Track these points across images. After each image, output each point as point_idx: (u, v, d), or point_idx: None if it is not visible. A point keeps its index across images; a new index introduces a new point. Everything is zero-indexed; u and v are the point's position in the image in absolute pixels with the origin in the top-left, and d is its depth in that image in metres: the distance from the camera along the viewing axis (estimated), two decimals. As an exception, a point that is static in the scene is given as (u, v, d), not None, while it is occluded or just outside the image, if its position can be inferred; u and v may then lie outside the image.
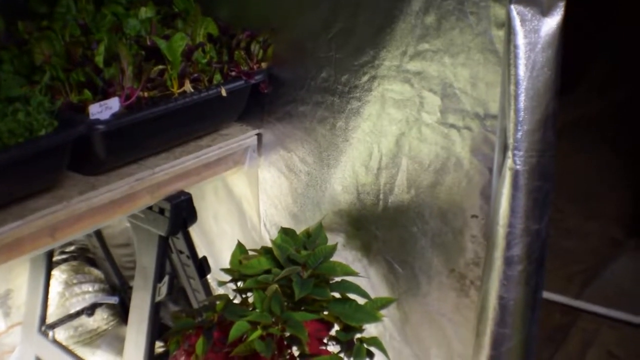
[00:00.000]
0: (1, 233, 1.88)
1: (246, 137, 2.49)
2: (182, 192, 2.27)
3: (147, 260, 2.33)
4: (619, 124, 5.03)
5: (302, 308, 1.99)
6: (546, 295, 2.01)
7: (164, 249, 2.31)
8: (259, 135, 2.54)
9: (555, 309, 3.55)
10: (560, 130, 1.92)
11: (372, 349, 2.03)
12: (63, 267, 3.23)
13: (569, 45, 1.85)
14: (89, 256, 3.33)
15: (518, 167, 1.82)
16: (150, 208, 2.26)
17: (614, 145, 4.91)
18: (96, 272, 3.28)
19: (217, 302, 2.03)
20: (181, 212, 2.25)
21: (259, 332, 1.86)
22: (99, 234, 3.08)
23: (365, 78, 2.20)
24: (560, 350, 3.29)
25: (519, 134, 1.81)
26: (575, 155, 4.44)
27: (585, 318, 3.52)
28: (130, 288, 2.47)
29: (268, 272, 2.01)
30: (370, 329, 2.14)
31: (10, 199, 1.94)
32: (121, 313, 3.23)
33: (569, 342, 3.35)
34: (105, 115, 2.02)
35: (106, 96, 2.06)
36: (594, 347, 3.31)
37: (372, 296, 2.10)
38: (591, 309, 3.57)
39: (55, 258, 3.21)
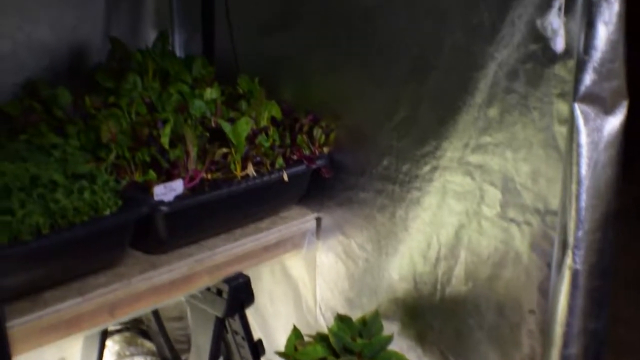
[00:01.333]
0: (61, 309, 1.90)
1: (306, 220, 2.51)
2: (240, 274, 2.28)
3: (202, 340, 2.33)
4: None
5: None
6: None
7: (219, 330, 2.32)
8: (318, 220, 2.56)
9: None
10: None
11: None
12: (116, 337, 3.25)
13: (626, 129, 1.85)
14: (143, 328, 3.35)
15: (578, 266, 1.81)
16: (208, 289, 2.27)
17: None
18: (149, 345, 3.29)
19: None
20: (239, 294, 2.26)
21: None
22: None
23: (426, 168, 2.22)
24: None
25: (580, 232, 1.81)
26: (632, 241, 4.39)
27: (637, 414, 3.45)
28: (182, 362, 2.48)
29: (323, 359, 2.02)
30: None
31: (71, 275, 1.97)
32: (172, 388, 3.24)
33: None
34: (169, 196, 2.05)
35: (170, 177, 2.10)
36: None
37: (426, 387, 2.09)
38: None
39: (110, 328, 3.23)
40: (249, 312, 2.47)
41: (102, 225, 1.91)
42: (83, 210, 1.90)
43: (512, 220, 2.04)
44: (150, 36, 2.93)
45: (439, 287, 2.25)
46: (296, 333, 2.14)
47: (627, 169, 1.92)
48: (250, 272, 2.33)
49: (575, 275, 1.82)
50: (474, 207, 2.12)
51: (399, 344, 2.37)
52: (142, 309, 2.13)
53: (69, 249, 1.87)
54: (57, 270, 1.91)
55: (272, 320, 2.94)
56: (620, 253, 1.94)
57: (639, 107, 1.84)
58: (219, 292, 2.26)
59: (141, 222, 2.03)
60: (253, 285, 2.34)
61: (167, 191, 2.05)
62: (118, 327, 3.32)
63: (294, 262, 2.70)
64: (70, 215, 1.87)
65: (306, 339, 2.12)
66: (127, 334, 3.31)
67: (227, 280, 2.25)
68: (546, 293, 1.98)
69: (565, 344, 1.87)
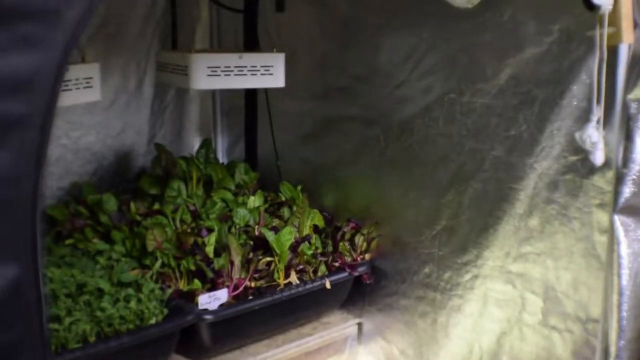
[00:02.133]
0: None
1: (347, 326, 2.51)
2: (283, 376, 2.30)
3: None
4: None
5: None
6: None
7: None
8: (360, 325, 2.56)
9: None
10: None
11: None
12: None
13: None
14: None
15: (624, 364, 1.81)
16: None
17: None
18: None
19: None
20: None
21: None
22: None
23: (467, 276, 2.23)
24: None
25: (621, 342, 1.82)
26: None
27: None
28: None
29: None
30: None
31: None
32: None
33: None
34: (213, 305, 2.08)
35: (215, 285, 2.14)
36: None
37: None
38: None
39: None
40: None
41: (148, 334, 1.94)
42: (129, 319, 1.93)
43: (553, 327, 2.04)
44: (194, 143, 3.00)
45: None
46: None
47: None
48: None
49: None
50: (516, 315, 2.13)
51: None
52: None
53: (115, 357, 1.90)
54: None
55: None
56: None
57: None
58: (265, 398, 2.27)
59: (186, 329, 2.06)
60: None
61: (212, 300, 2.09)
62: None
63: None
64: (117, 324, 1.91)
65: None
66: None
67: (270, 376, 2.27)
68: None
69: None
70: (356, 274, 2.45)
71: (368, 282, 2.49)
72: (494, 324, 2.19)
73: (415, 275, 2.39)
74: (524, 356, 2.12)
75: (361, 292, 2.56)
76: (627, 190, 1.80)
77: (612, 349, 1.83)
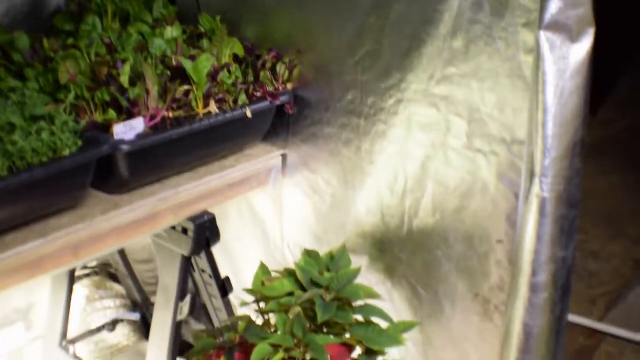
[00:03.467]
0: (24, 251, 1.88)
1: (270, 157, 2.48)
2: (205, 213, 2.26)
3: (169, 279, 2.32)
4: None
5: (325, 331, 1.98)
6: (570, 317, 1.99)
7: (186, 269, 2.30)
8: (284, 156, 2.53)
9: (579, 331, 3.52)
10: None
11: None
12: (85, 282, 3.24)
13: (594, 67, 1.84)
14: (111, 272, 3.34)
15: (545, 194, 1.80)
16: (173, 228, 2.26)
17: (638, 167, 4.90)
18: (118, 288, 3.28)
19: (239, 323, 2.02)
20: (204, 232, 2.24)
21: (280, 355, 1.85)
22: (121, 250, 3.07)
23: (391, 101, 2.19)
24: (584, 374, 3.27)
25: (547, 161, 1.80)
26: (599, 176, 4.43)
27: (609, 341, 3.49)
28: (152, 304, 2.46)
29: (291, 294, 2.00)
30: (393, 353, 2.12)
31: (33, 217, 1.94)
32: (142, 329, 3.23)
33: (593, 366, 3.33)
34: (129, 135, 2.01)
35: (131, 116, 2.06)
36: (618, 371, 3.28)
37: (395, 320, 2.09)
38: (615, 332, 3.53)
39: (78, 273, 3.21)
40: (217, 252, 2.45)
41: (62, 165, 1.87)
42: (42, 152, 1.86)
43: (478, 150, 2.02)
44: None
45: (406, 219, 2.24)
46: (263, 269, 2.12)
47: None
48: (217, 212, 2.31)
49: (542, 203, 1.81)
50: (440, 139, 2.10)
51: (368, 278, 2.36)
52: (106, 250, 2.11)
53: (28, 191, 1.84)
54: (17, 213, 1.88)
55: (240, 259, 2.92)
56: (589, 191, 1.94)
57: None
58: (185, 231, 2.24)
59: (103, 162, 1.99)
60: (220, 225, 2.32)
61: (128, 130, 2.02)
62: (86, 272, 3.30)
63: (261, 200, 2.68)
64: (29, 157, 1.84)
65: (274, 275, 2.11)
66: (95, 278, 3.29)
67: (193, 219, 2.23)
68: (514, 223, 1.97)
69: (534, 272, 1.87)
70: (278, 102, 2.38)
71: (291, 112, 2.44)
72: (418, 149, 2.16)
73: (338, 102, 2.34)
74: (449, 180, 2.11)
75: (284, 123, 2.51)
76: (554, 6, 1.74)
77: (538, 168, 1.81)
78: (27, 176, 1.80)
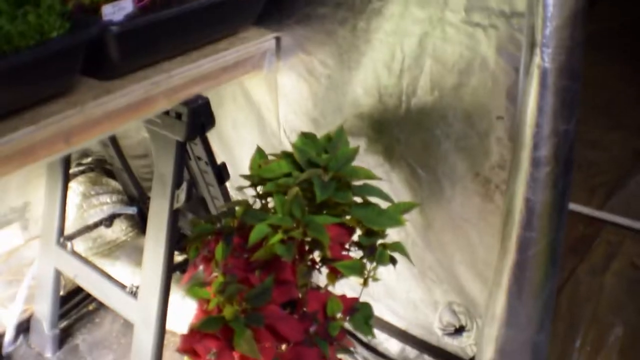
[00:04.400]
0: (14, 139, 1.83)
1: (264, 40, 2.41)
2: (199, 96, 2.22)
3: (164, 167, 2.28)
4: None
5: (324, 212, 1.95)
6: (570, 206, 1.97)
7: (181, 155, 2.26)
8: (278, 39, 2.46)
9: (578, 220, 3.53)
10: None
11: (395, 254, 1.99)
12: (80, 178, 3.21)
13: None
14: (107, 167, 3.31)
15: (546, 64, 1.75)
16: (167, 113, 2.21)
17: (635, 57, 4.88)
18: (114, 184, 3.25)
19: (237, 208, 1.99)
20: (199, 116, 2.20)
21: (279, 235, 1.82)
22: (116, 144, 3.04)
23: (387, -25, 2.13)
24: (584, 261, 3.27)
25: (548, 30, 1.74)
26: (597, 67, 4.39)
27: (609, 230, 3.49)
28: (149, 199, 2.43)
29: (288, 175, 1.96)
30: (392, 236, 2.10)
31: (22, 104, 1.89)
32: (140, 224, 3.22)
33: (593, 253, 3.33)
34: (118, 16, 1.96)
35: (119, -3, 2.01)
36: (617, 258, 3.28)
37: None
38: (615, 220, 3.54)
39: (72, 170, 3.19)
40: (212, 142, 2.42)
41: (50, 48, 1.82)
42: (29, 35, 1.81)
43: (477, 24, 1.98)
44: None
45: (404, 98, 2.20)
46: (260, 153, 2.08)
47: None
48: (211, 99, 2.27)
49: (544, 73, 1.76)
50: (438, 14, 2.05)
51: (366, 161, 2.34)
52: (98, 135, 2.06)
53: (16, 76, 1.79)
54: (5, 100, 1.84)
55: (237, 148, 2.89)
56: (587, 81, 1.90)
57: None
58: (179, 116, 2.19)
59: (92, 47, 1.94)
60: (215, 113, 2.27)
61: (116, 10, 1.96)
62: (81, 168, 3.28)
63: (256, 86, 2.64)
64: (16, 41, 1.79)
65: (271, 158, 2.07)
66: (91, 174, 3.27)
67: (186, 103, 2.18)
68: (514, 98, 1.94)
69: (536, 146, 1.83)
70: (269, -19, 2.32)
71: (284, -6, 2.38)
72: (415, 25, 2.11)
73: (332, -21, 2.28)
74: (447, 57, 2.07)
75: (277, 5, 2.44)
76: None
77: (538, 38, 1.76)
78: (15, 59, 1.75)
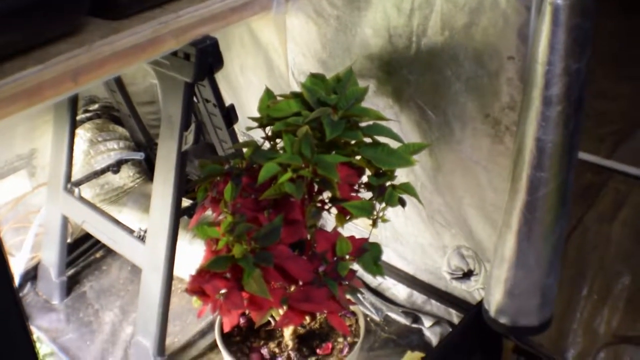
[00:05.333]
0: (22, 77, 1.81)
1: (273, -20, 2.39)
2: (207, 37, 2.19)
3: (172, 109, 2.27)
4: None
5: (334, 152, 1.94)
6: (578, 154, 1.95)
7: (189, 96, 2.25)
8: (287, -21, 2.44)
9: (586, 168, 3.51)
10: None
11: (404, 197, 1.99)
12: (87, 125, 3.19)
13: None
14: (114, 114, 3.29)
15: (559, 1, 1.73)
16: (175, 54, 2.19)
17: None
18: (121, 130, 3.24)
19: (245, 149, 1.98)
20: (207, 56, 2.18)
21: (289, 174, 1.81)
22: (123, 90, 3.02)
23: None
24: (592, 208, 3.26)
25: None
26: (604, 18, 4.35)
27: (617, 179, 3.48)
28: (156, 145, 2.42)
29: (298, 114, 1.95)
30: (401, 179, 2.09)
31: (30, 44, 1.87)
32: (147, 170, 3.21)
33: (601, 202, 3.32)
34: (125, -47, 1.94)
35: None
36: (625, 207, 3.27)
37: (404, 144, 2.05)
38: (623, 169, 3.52)
39: (80, 117, 3.17)
40: (220, 85, 2.40)
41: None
42: (34, -30, 1.80)
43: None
44: None
45: (414, 39, 2.18)
46: (269, 94, 2.06)
47: None
48: (219, 42, 2.24)
49: (556, 10, 1.73)
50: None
51: (376, 102, 2.32)
52: (106, 75, 2.03)
53: (23, 15, 1.77)
54: (13, 39, 1.82)
55: (245, 92, 2.88)
56: (599, 30, 1.87)
57: None
58: (187, 57, 2.17)
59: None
60: (223, 56, 2.25)
61: (124, -53, 1.94)
62: (88, 115, 3.25)
63: (264, 28, 2.62)
64: (23, -21, 1.78)
65: (279, 99, 2.05)
66: (98, 120, 3.24)
67: (194, 43, 2.16)
68: (526, 38, 1.92)
69: (547, 84, 1.81)
70: None
71: None
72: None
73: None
74: (458, -3, 2.04)
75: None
76: None
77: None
78: (21, -2, 1.73)
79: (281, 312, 1.92)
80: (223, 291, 1.83)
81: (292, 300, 1.86)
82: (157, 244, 2.43)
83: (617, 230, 3.14)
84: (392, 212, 1.94)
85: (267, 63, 2.71)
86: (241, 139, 2.67)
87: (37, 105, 1.91)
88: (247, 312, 2.16)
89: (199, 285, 1.85)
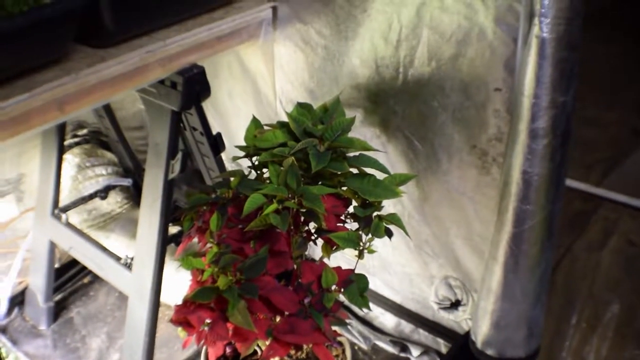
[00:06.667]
0: (8, 106, 1.82)
1: (260, 9, 2.39)
2: (194, 65, 2.20)
3: (159, 137, 2.27)
4: (635, 14, 4.98)
5: (320, 183, 1.93)
6: (567, 182, 1.95)
7: (176, 124, 2.24)
8: (274, 8, 2.43)
9: (575, 196, 3.52)
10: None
11: (391, 227, 1.98)
12: (76, 150, 3.19)
13: None
14: (102, 139, 3.29)
15: (545, 34, 1.73)
16: (162, 82, 2.19)
17: (630, 36, 4.87)
18: (109, 155, 3.23)
19: (232, 179, 1.97)
20: (194, 85, 2.18)
21: (274, 205, 1.80)
22: (111, 116, 3.02)
23: (384, -52, 2.10)
24: (581, 237, 3.26)
25: (546, 0, 1.72)
26: (593, 44, 4.37)
27: (606, 206, 3.49)
28: (144, 171, 2.42)
29: (284, 145, 1.94)
30: (388, 209, 2.09)
31: (16, 71, 1.87)
32: (135, 196, 3.21)
33: (590, 230, 3.32)
34: (113, -18, 1.94)
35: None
36: (614, 235, 3.27)
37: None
38: (612, 197, 3.53)
39: (68, 142, 3.17)
40: (208, 113, 2.40)
41: (44, 14, 1.80)
42: (22, 0, 1.79)
43: (475, -6, 1.96)
44: None
45: (401, 69, 2.18)
46: (256, 123, 2.05)
47: None
48: (207, 70, 2.24)
49: (542, 44, 1.74)
50: (435, -17, 2.03)
51: (362, 132, 2.32)
52: (93, 103, 2.04)
53: (10, 42, 1.77)
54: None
55: (233, 119, 2.88)
56: (584, 58, 1.88)
57: None
58: (174, 85, 2.17)
59: (86, 13, 1.92)
60: (210, 83, 2.25)
61: (111, -23, 1.94)
62: (77, 140, 3.25)
63: (252, 56, 2.62)
64: (9, 6, 1.77)
65: (266, 128, 2.05)
66: (86, 146, 3.24)
67: (181, 72, 2.16)
68: (512, 70, 1.92)
69: (533, 117, 1.81)
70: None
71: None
72: (413, -6, 2.09)
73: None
74: (444, 27, 2.04)
75: (274, -26, 2.43)
76: None
77: (537, 8, 1.73)
78: (8, 25, 1.73)
79: (268, 342, 1.91)
80: (208, 321, 1.82)
81: (277, 332, 1.85)
82: (143, 272, 2.42)
83: (606, 258, 3.14)
84: (380, 242, 1.92)
85: (255, 91, 2.71)
86: (229, 165, 2.67)
87: (24, 133, 1.92)
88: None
89: (184, 316, 1.84)
